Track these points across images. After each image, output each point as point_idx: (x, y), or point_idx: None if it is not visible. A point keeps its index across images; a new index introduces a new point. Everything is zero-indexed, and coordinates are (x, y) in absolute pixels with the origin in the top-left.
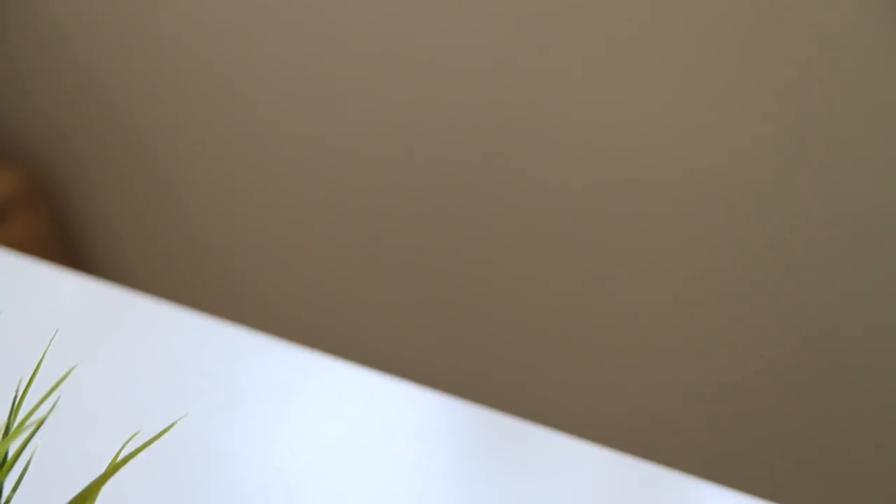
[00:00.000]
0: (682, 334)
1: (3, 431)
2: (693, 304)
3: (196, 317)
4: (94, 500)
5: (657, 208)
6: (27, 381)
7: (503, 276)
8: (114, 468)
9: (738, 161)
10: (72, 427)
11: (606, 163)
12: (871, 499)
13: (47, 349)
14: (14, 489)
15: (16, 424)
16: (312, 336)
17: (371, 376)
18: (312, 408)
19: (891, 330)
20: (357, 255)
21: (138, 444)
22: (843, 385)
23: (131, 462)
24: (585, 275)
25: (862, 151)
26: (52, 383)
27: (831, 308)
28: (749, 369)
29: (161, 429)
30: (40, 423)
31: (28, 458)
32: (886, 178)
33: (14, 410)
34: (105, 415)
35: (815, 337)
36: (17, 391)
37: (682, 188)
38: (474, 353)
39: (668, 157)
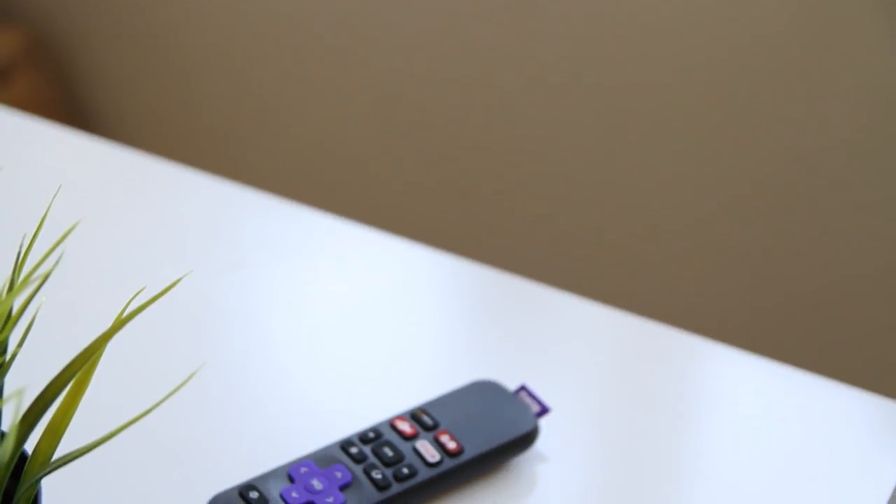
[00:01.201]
0: (688, 195)
1: (7, 287)
2: (698, 163)
3: (200, 176)
4: (99, 355)
5: (662, 75)
6: (31, 236)
7: (512, 135)
8: (119, 324)
9: None
10: (76, 284)
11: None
12: (870, 359)
13: (51, 204)
14: (19, 344)
15: (20, 279)
16: (318, 195)
17: (376, 235)
18: (317, 267)
19: (887, 185)
20: (363, 113)
21: (143, 301)
22: (844, 240)
23: (137, 318)
24: (595, 133)
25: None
26: (56, 239)
27: (831, 161)
28: (753, 229)
29: (166, 286)
30: (45, 278)
31: (33, 313)
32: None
33: (18, 266)
34: (109, 272)
35: (818, 192)
36: (20, 247)
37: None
38: (480, 213)
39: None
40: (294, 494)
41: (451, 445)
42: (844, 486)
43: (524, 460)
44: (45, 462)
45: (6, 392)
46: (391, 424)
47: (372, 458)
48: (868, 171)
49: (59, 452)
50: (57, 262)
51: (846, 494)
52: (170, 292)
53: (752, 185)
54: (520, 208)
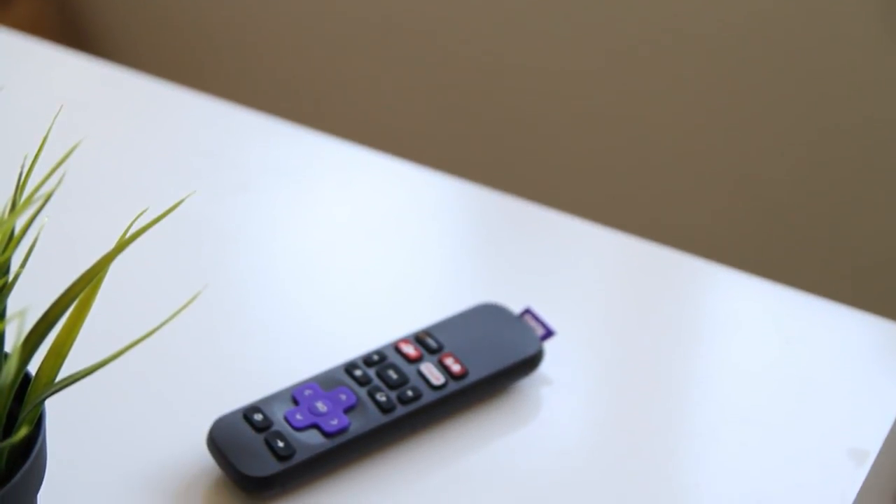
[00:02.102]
0: (695, 116)
1: (9, 207)
2: (702, 84)
3: (203, 98)
4: (102, 276)
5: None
6: (33, 156)
7: (517, 57)
8: (122, 244)
9: None
10: (79, 205)
11: None
12: (873, 279)
13: (52, 124)
14: (22, 265)
15: (22, 200)
16: (322, 118)
17: (381, 159)
18: (322, 191)
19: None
20: (368, 35)
21: (146, 222)
22: (852, 162)
23: (140, 240)
24: (600, 55)
25: None
26: (58, 160)
27: (838, 80)
28: (761, 152)
29: (168, 207)
30: (47, 198)
31: (35, 234)
32: None
33: (20, 186)
34: (112, 194)
35: (826, 114)
36: (22, 167)
37: None
38: (484, 136)
39: None
40: (298, 417)
41: (456, 368)
42: (850, 408)
43: (528, 383)
44: (49, 383)
45: (8, 313)
46: (395, 347)
47: (376, 381)
48: (877, 91)
49: (63, 374)
50: (59, 183)
51: (851, 417)
52: (173, 215)
53: (760, 107)
54: (524, 131)
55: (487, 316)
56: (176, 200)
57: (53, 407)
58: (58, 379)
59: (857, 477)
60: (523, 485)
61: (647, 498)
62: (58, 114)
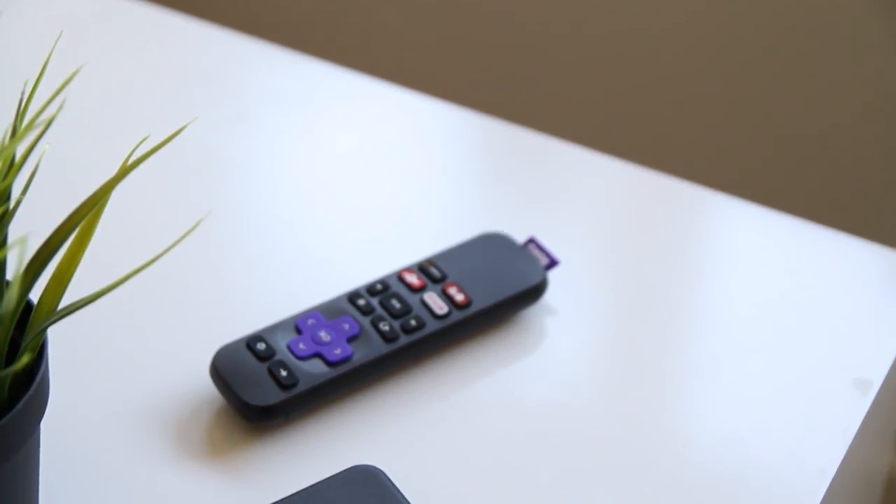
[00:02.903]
0: (698, 44)
1: (10, 133)
2: (709, 14)
3: (206, 25)
4: (104, 203)
5: None
6: (33, 82)
7: None
8: (124, 171)
9: None
10: (80, 133)
11: None
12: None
13: (53, 49)
14: (23, 192)
15: (23, 125)
16: (326, 46)
17: (385, 87)
18: (325, 119)
19: None
20: None
21: (148, 149)
22: (855, 87)
23: (142, 168)
24: None
25: None
26: (58, 86)
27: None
28: (763, 78)
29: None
30: (48, 124)
31: (36, 161)
32: None
33: (21, 112)
34: (113, 121)
35: (829, 35)
36: (22, 93)
37: None
38: (489, 64)
39: None
40: (301, 346)
41: (459, 297)
42: (854, 338)
43: (532, 313)
44: (51, 311)
45: (9, 241)
46: (399, 276)
47: (379, 310)
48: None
49: (65, 301)
50: (59, 109)
51: (856, 347)
52: (175, 143)
53: (765, 35)
54: (529, 59)
55: (491, 245)
56: (177, 128)
57: (56, 336)
58: (60, 307)
59: (861, 406)
60: (527, 414)
61: (651, 427)
62: (58, 40)
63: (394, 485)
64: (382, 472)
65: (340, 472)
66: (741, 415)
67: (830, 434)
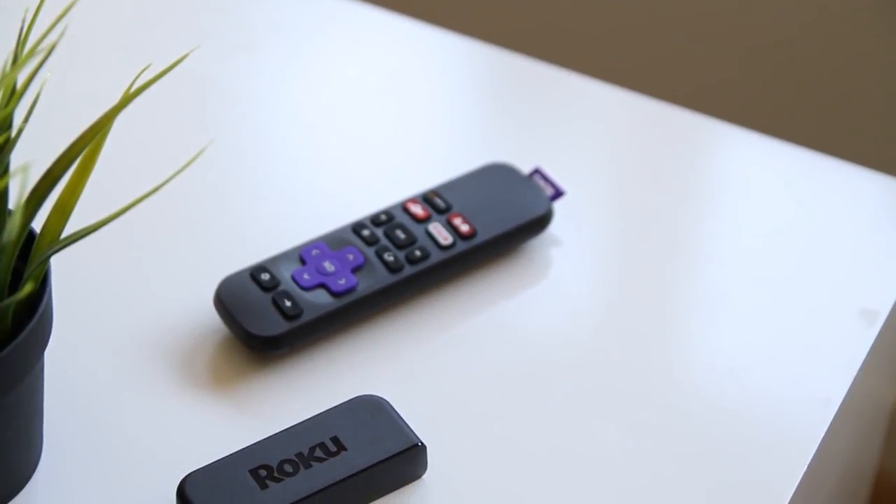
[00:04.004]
0: None
1: (11, 60)
2: None
3: None
4: (107, 131)
5: None
6: (34, 8)
7: None
8: (127, 99)
9: None
10: (82, 60)
11: None
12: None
13: None
14: (25, 119)
15: (24, 53)
16: None
17: (390, 17)
18: (330, 50)
19: None
20: None
21: (150, 77)
22: (863, 18)
23: (144, 97)
24: None
25: None
26: (60, 12)
27: None
28: (772, 7)
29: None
30: (50, 50)
31: (38, 88)
32: None
33: (22, 39)
34: (115, 50)
35: None
36: (23, 20)
37: None
38: None
39: None
40: (306, 276)
41: (464, 228)
42: (861, 269)
43: (538, 243)
44: (54, 240)
45: (12, 169)
46: (403, 207)
47: (384, 241)
48: None
49: (67, 231)
50: (61, 35)
51: (863, 278)
52: (178, 72)
53: None
54: None
55: (496, 176)
56: (180, 57)
57: (59, 266)
58: (62, 236)
59: (867, 337)
60: (531, 345)
61: (656, 358)
62: None
63: (398, 414)
64: (387, 401)
65: (345, 402)
66: (746, 345)
67: (836, 364)
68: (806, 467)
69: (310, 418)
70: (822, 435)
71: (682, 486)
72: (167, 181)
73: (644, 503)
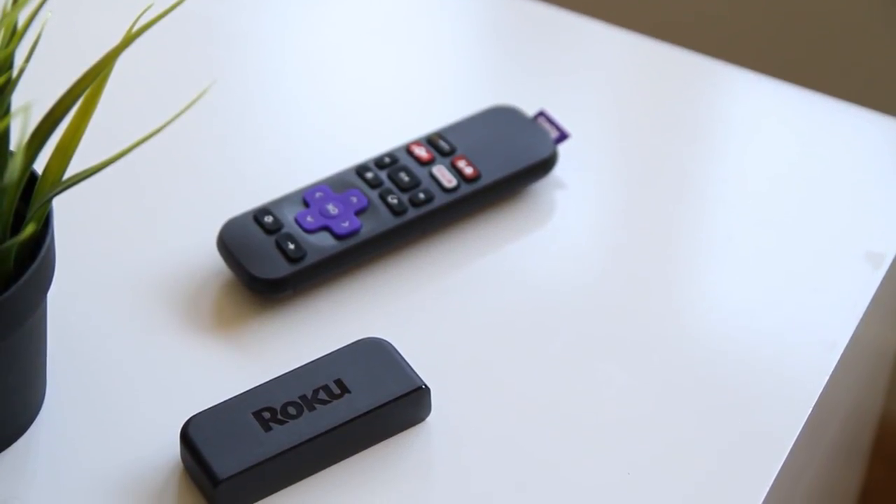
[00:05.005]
0: None
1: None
2: None
3: None
4: (108, 72)
5: None
6: None
7: None
8: (128, 39)
9: None
10: (83, 0)
11: None
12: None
13: None
14: (26, 60)
15: None
16: None
17: None
18: None
19: None
20: None
21: (152, 17)
22: None
23: (146, 37)
24: None
25: None
26: None
27: None
28: None
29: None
30: None
31: (39, 29)
32: None
33: None
34: None
35: None
36: None
37: None
38: None
39: None
40: (309, 219)
41: (468, 171)
42: (868, 212)
43: (542, 186)
44: (56, 182)
45: (13, 110)
46: (407, 150)
47: (388, 183)
48: None
49: (70, 172)
50: None
51: (869, 220)
52: (180, 12)
53: None
54: None
55: (501, 118)
56: None
57: (61, 207)
58: (64, 178)
59: (873, 280)
60: (535, 288)
61: (661, 300)
62: None
63: (402, 357)
64: (391, 344)
65: (349, 345)
66: (752, 288)
67: (842, 307)
68: (810, 411)
69: (313, 361)
70: (827, 379)
71: (686, 430)
72: (169, 122)
73: (648, 445)
